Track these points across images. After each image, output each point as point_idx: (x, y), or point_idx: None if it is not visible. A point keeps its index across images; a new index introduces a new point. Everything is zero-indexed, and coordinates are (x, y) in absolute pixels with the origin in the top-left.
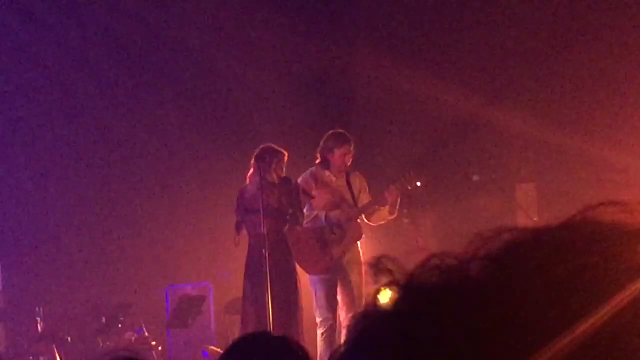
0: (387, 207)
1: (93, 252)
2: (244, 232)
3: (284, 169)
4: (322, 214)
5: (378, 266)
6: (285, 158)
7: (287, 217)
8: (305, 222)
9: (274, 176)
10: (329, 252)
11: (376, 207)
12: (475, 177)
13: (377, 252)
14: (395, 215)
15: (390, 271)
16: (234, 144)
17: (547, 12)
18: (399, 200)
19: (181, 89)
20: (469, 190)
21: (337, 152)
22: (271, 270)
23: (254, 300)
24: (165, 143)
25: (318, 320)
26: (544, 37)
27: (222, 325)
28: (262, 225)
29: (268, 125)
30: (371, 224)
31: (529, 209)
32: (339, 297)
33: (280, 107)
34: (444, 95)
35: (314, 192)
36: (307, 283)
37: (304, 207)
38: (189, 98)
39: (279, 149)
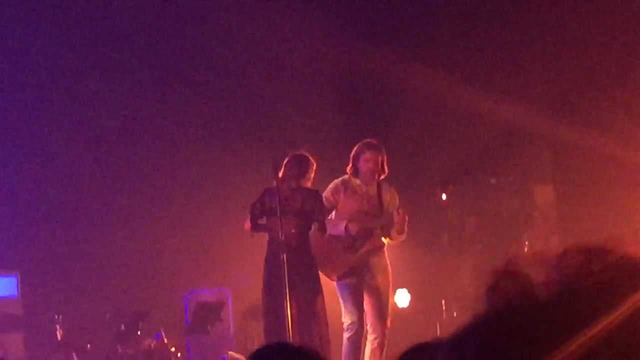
0: (395, 228)
1: (111, 259)
2: (263, 222)
3: (310, 179)
4: (342, 224)
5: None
6: (314, 167)
7: (313, 222)
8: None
9: (300, 182)
10: (347, 259)
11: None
12: (492, 180)
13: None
14: (403, 237)
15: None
16: (256, 151)
17: (567, 8)
18: (406, 221)
19: (209, 92)
20: (487, 192)
21: (362, 158)
22: (293, 275)
23: (274, 306)
24: (186, 149)
25: (345, 324)
26: (562, 34)
27: (241, 330)
28: (280, 231)
29: (295, 132)
30: (389, 241)
31: (547, 210)
32: (365, 302)
33: (312, 114)
34: (459, 94)
35: (340, 199)
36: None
37: (328, 215)
38: (216, 102)
39: (309, 157)
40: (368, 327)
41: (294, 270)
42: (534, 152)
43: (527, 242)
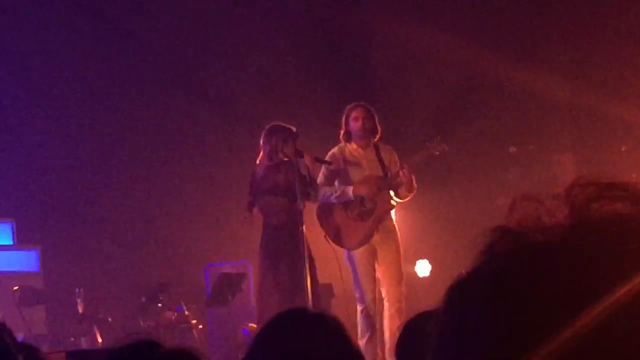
0: (403, 187)
1: (132, 231)
2: (256, 211)
3: (295, 145)
4: (349, 189)
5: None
6: (294, 134)
7: (299, 194)
8: (334, 197)
9: (281, 155)
10: (363, 225)
11: (398, 182)
12: (512, 149)
13: (411, 223)
14: (414, 193)
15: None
16: (265, 120)
17: None
18: (413, 178)
19: (195, 71)
20: (506, 161)
21: (351, 117)
22: (284, 250)
23: (272, 284)
24: (196, 123)
25: (357, 295)
26: (584, 2)
27: None
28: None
29: (291, 101)
30: (398, 200)
31: (566, 180)
32: (377, 270)
33: (296, 79)
34: (476, 61)
35: (341, 167)
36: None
37: (327, 180)
38: (207, 80)
39: (285, 125)
40: (383, 294)
41: (284, 248)
42: (554, 120)
43: (517, 199)
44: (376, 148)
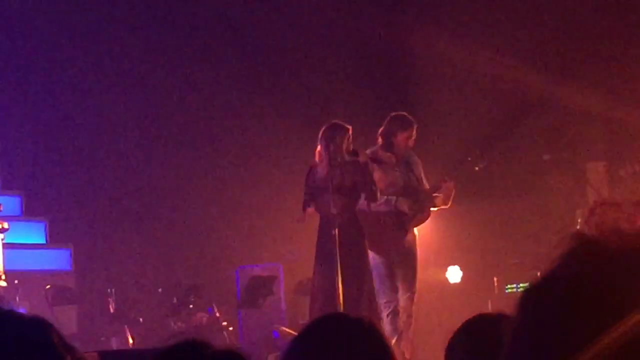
0: (441, 196)
1: (165, 232)
2: (312, 210)
3: (351, 144)
4: (393, 199)
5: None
6: (350, 132)
7: (362, 194)
8: (393, 203)
9: (344, 153)
10: (401, 235)
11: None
12: (546, 157)
13: (442, 230)
14: (448, 206)
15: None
16: (301, 124)
17: None
18: (453, 189)
19: (248, 71)
20: (540, 169)
21: (401, 136)
22: (343, 251)
23: (323, 282)
24: (232, 126)
25: (382, 301)
26: (617, 11)
27: (292, 305)
28: (331, 206)
29: (334, 103)
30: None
31: (599, 188)
32: (396, 278)
33: (343, 84)
34: (510, 72)
35: (375, 172)
36: None
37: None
38: (256, 81)
39: (345, 124)
40: (401, 303)
41: (343, 248)
42: (587, 129)
43: (579, 220)
44: (406, 158)
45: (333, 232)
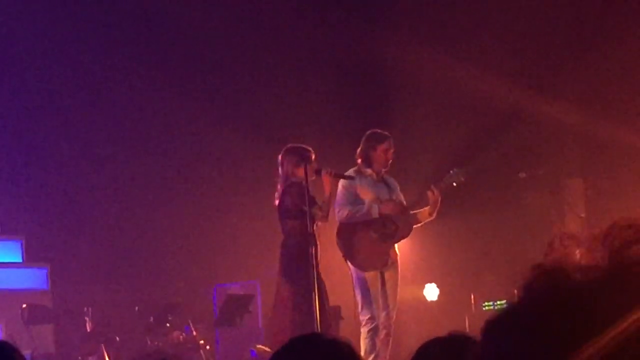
0: (427, 209)
1: (141, 251)
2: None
3: (311, 165)
4: (375, 208)
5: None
6: (308, 155)
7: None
8: (359, 214)
9: (292, 177)
10: (382, 248)
11: (418, 208)
12: (521, 174)
13: (420, 248)
14: (434, 217)
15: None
16: (278, 142)
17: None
18: (439, 200)
19: (224, 93)
20: (516, 187)
21: (380, 148)
22: (298, 273)
23: (301, 301)
24: (208, 143)
25: (364, 318)
26: (592, 27)
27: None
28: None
29: (310, 123)
30: (417, 225)
31: (576, 205)
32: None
33: (317, 102)
34: (486, 87)
35: (358, 189)
36: (339, 281)
37: (347, 199)
38: (231, 101)
39: (300, 146)
40: (382, 319)
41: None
42: (563, 145)
43: (556, 237)
44: (384, 177)
45: (289, 256)
